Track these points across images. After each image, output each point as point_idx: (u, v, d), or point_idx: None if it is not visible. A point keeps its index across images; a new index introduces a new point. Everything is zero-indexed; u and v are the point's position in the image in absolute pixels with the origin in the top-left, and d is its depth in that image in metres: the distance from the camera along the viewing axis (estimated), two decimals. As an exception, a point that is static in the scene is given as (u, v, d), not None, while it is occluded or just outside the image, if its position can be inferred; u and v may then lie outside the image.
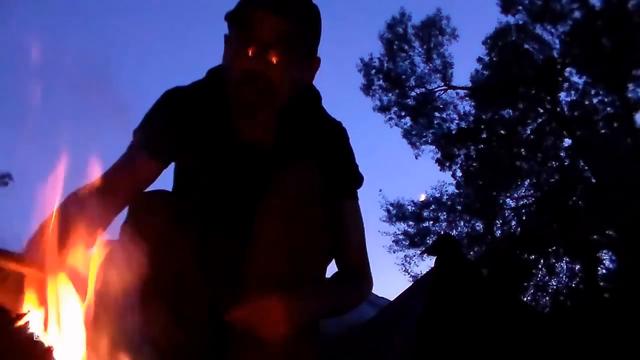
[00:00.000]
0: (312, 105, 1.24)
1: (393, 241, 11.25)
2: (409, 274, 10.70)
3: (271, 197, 1.05)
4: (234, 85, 1.09)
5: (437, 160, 11.15)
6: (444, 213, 11.11)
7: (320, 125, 1.23)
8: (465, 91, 11.38)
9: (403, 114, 11.56)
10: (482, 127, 11.04)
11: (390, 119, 11.60)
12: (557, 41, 10.47)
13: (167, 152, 1.18)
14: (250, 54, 1.05)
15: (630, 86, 9.87)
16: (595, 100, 10.29)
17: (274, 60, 1.05)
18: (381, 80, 11.53)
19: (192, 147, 1.16)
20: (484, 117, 11.04)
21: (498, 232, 10.62)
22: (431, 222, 11.23)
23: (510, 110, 10.86)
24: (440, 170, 11.14)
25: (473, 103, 11.28)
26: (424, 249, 10.58)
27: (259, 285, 1.00)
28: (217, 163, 1.17)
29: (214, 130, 1.17)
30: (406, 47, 11.39)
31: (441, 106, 11.43)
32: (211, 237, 1.10)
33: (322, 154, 1.18)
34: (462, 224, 10.97)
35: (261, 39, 1.04)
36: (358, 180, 1.25)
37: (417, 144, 11.49)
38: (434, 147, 11.31)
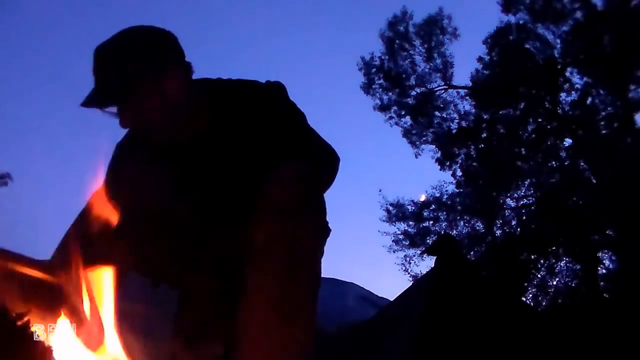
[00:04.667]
0: (222, 85, 1.28)
1: (393, 241, 11.23)
2: (409, 274, 10.69)
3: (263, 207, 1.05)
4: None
5: (437, 160, 11.13)
6: (444, 213, 11.09)
7: (246, 94, 1.25)
8: (465, 90, 11.37)
9: (403, 113, 11.54)
10: (483, 126, 11.03)
11: (391, 118, 11.59)
12: (558, 41, 10.45)
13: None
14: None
15: (632, 87, 9.86)
16: (595, 101, 10.28)
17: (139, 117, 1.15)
18: (382, 79, 11.51)
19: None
20: (484, 116, 11.02)
21: (498, 232, 10.61)
22: (431, 222, 11.21)
23: (511, 110, 10.84)
24: (440, 169, 11.13)
25: (473, 102, 11.26)
26: (424, 249, 10.57)
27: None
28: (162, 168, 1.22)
29: (150, 151, 1.24)
30: (407, 45, 11.37)
31: (441, 105, 11.41)
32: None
33: (259, 120, 1.21)
34: (462, 224, 10.96)
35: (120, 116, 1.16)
36: (309, 137, 1.26)
37: (417, 143, 11.48)
38: (434, 146, 11.30)
